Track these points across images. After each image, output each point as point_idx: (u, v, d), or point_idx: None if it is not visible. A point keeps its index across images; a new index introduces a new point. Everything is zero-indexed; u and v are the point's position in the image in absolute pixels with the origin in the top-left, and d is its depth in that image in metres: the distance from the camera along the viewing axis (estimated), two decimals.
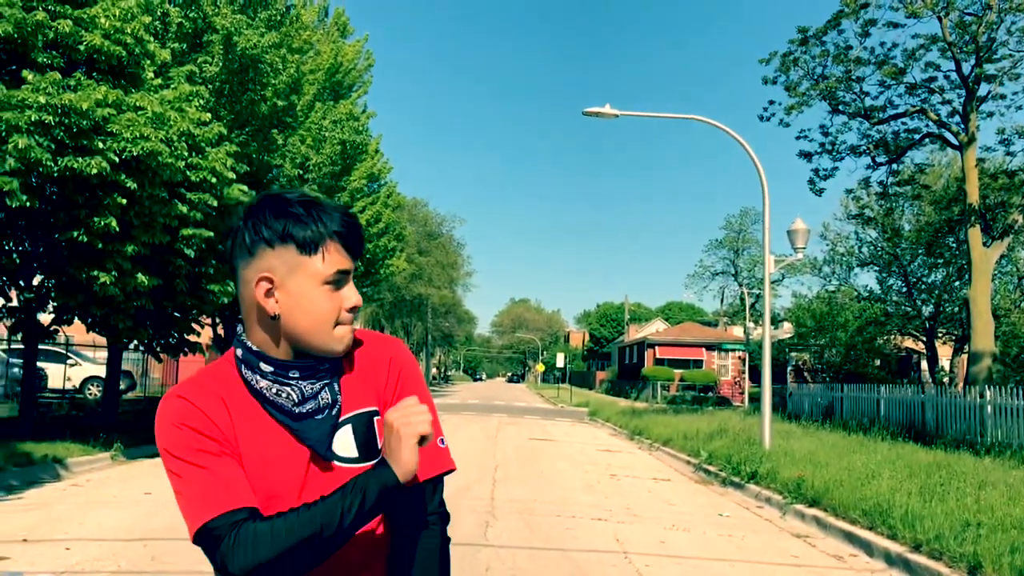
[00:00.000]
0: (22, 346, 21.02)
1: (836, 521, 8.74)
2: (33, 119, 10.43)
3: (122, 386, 23.73)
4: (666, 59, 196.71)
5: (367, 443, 1.47)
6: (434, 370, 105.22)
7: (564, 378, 77.98)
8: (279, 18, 18.45)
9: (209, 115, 14.32)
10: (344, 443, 1.46)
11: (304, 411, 1.44)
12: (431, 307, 63.13)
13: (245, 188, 15.33)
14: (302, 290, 1.41)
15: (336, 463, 1.45)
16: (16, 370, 21.93)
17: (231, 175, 14.53)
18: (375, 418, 1.51)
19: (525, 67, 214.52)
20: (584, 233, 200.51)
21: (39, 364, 24.38)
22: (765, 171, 14.24)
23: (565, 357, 68.15)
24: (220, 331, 25.12)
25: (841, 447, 13.55)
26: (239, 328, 1.51)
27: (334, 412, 1.47)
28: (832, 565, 7.44)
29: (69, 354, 26.19)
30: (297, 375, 1.44)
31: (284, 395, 1.44)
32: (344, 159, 24.22)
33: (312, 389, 1.45)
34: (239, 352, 1.48)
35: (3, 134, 10.47)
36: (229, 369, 1.49)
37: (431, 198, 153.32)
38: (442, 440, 1.53)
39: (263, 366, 1.44)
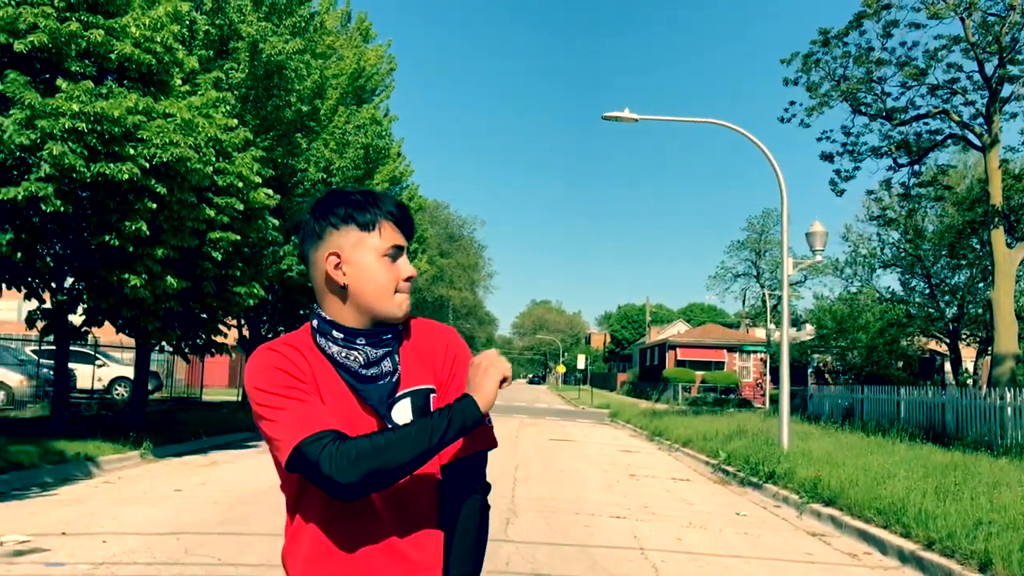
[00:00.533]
0: (52, 347, 21.51)
1: (851, 520, 8.87)
2: (67, 127, 10.74)
3: (149, 387, 24.16)
4: (683, 64, 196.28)
5: (423, 415, 1.68)
6: None
7: (585, 380, 78.01)
8: (303, 25, 18.74)
9: (235, 121, 14.63)
10: (402, 413, 1.69)
11: (368, 375, 1.68)
12: (452, 309, 63.42)
13: (270, 192, 15.63)
14: (364, 262, 1.68)
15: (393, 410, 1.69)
16: (46, 371, 22.39)
17: (257, 179, 14.83)
18: (431, 395, 1.74)
19: (542, 70, 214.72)
20: (605, 234, 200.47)
21: (69, 365, 24.89)
22: (784, 172, 14.37)
23: (586, 359, 68.22)
24: (245, 332, 25.48)
25: (859, 448, 13.63)
26: (315, 305, 1.76)
27: (394, 380, 1.70)
28: (846, 563, 7.58)
29: (97, 355, 26.61)
30: (363, 342, 1.69)
31: (352, 358, 1.68)
32: (367, 163, 24.51)
33: (376, 355, 1.69)
34: (314, 323, 1.73)
35: (38, 141, 10.80)
36: (306, 338, 1.73)
37: (450, 197, 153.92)
38: (489, 420, 1.76)
39: (335, 333, 1.69)
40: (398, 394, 1.70)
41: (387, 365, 1.70)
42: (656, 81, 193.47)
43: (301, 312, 26.62)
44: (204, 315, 16.42)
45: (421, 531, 1.70)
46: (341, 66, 24.37)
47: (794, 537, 8.72)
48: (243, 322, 25.15)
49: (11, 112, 10.87)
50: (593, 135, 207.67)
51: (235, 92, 16.47)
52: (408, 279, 1.71)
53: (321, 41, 21.74)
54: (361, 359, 1.68)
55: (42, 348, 22.67)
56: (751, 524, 9.34)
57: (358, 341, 1.68)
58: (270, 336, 27.67)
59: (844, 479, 10.05)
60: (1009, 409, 15.11)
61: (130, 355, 29.57)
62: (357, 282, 1.68)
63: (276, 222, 16.86)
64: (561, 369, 78.54)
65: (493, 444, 1.78)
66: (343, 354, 1.68)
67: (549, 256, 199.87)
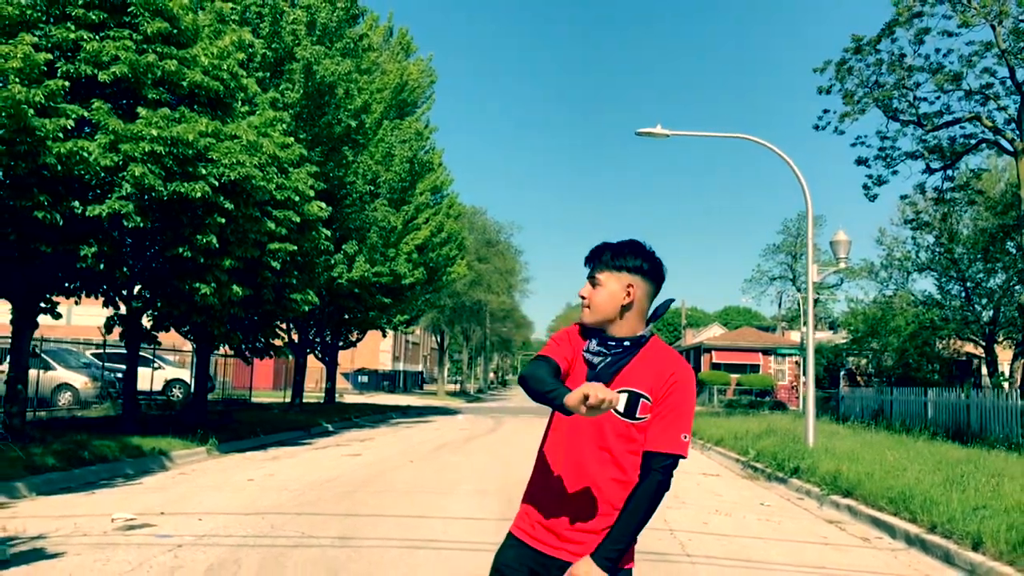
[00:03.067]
0: (112, 351, 22.75)
1: (866, 509, 9.62)
2: (147, 149, 11.81)
3: None
4: (711, 76, 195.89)
5: (629, 407, 2.50)
6: (492, 375, 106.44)
7: None
8: (352, 46, 19.78)
9: (291, 139, 15.67)
10: (627, 402, 2.51)
11: (587, 355, 2.61)
12: (489, 313, 64.29)
13: (323, 204, 16.68)
14: None
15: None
16: (108, 374, 23.63)
17: (311, 193, 15.88)
18: (641, 399, 2.51)
19: (577, 82, 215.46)
20: (639, 236, 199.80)
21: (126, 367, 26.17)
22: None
23: None
24: (294, 336, 26.58)
25: (881, 445, 14.30)
26: None
27: (598, 369, 2.56)
28: (858, 545, 8.35)
29: (154, 359, 27.82)
30: (593, 337, 2.63)
31: (585, 344, 2.63)
32: (412, 175, 25.52)
33: (596, 348, 2.60)
34: None
35: (120, 163, 11.89)
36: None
37: (487, 202, 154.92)
38: (686, 436, 2.55)
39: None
40: (619, 388, 2.50)
41: (600, 358, 2.58)
42: (687, 90, 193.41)
43: (346, 316, 27.73)
44: (255, 318, 17.47)
45: (604, 503, 2.52)
46: (384, 80, 25.43)
47: (812, 524, 9.50)
48: (291, 327, 26.27)
49: (96, 137, 11.98)
50: (627, 141, 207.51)
51: (290, 111, 17.54)
52: (581, 297, 2.65)
53: (366, 57, 22.81)
54: (586, 344, 2.62)
55: (105, 351, 23.90)
56: (773, 513, 10.14)
57: (591, 336, 2.64)
58: (317, 340, 28.84)
59: (861, 472, 10.79)
60: None
61: (179, 358, 30.96)
62: None
63: (327, 232, 17.92)
64: None
65: (681, 453, 2.52)
66: (584, 339, 2.66)
67: (583, 257, 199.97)
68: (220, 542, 6.89)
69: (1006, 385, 34.98)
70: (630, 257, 2.61)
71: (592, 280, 2.61)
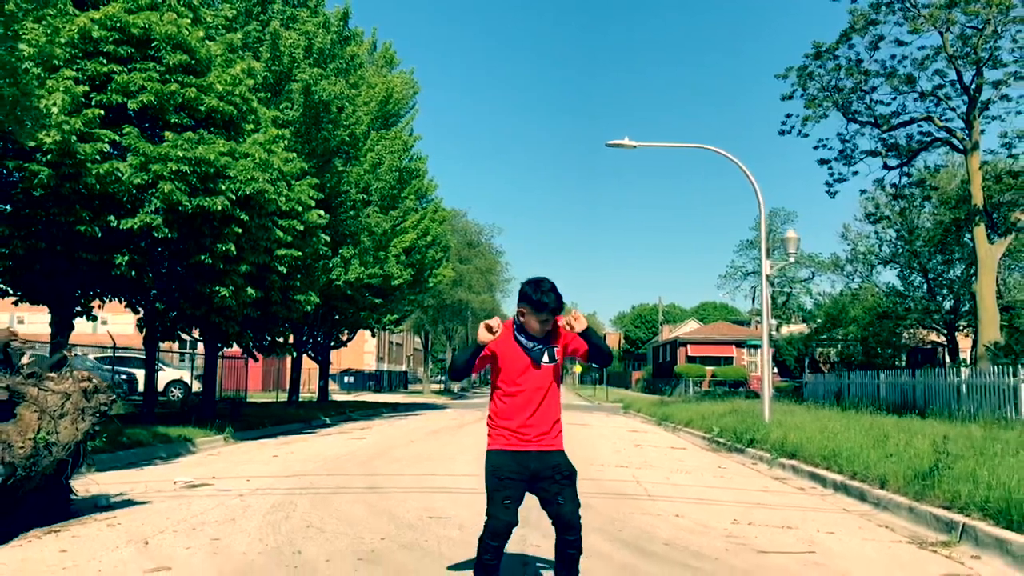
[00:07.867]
0: (108, 354, 24.11)
1: (806, 466, 11.34)
2: (173, 169, 13.35)
3: (197, 387, 26.79)
4: (683, 85, 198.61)
5: (551, 356, 4.27)
6: (474, 374, 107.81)
7: (601, 379, 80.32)
8: (345, 66, 21.34)
9: (294, 154, 17.23)
10: (548, 356, 4.27)
11: (529, 344, 4.29)
12: (472, 312, 65.76)
13: (321, 212, 18.25)
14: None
15: (543, 364, 4.25)
16: (115, 376, 25.02)
17: (312, 203, 17.46)
18: (555, 348, 4.28)
19: (553, 88, 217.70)
20: (619, 235, 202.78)
21: (130, 370, 27.59)
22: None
23: None
24: (290, 338, 28.03)
25: (828, 419, 16.04)
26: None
27: (534, 347, 4.26)
28: (793, 492, 10.06)
29: (156, 360, 29.08)
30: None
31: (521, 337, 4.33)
32: (400, 183, 27.10)
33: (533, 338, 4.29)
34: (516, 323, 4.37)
35: (150, 181, 13.42)
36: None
37: (469, 204, 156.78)
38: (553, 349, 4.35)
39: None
40: (545, 347, 4.27)
41: (532, 343, 4.26)
42: (675, 94, 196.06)
43: (336, 317, 29.24)
44: (265, 319, 18.98)
45: (553, 413, 4.31)
46: (371, 93, 26.94)
47: (760, 479, 11.20)
48: (287, 327, 27.71)
49: (128, 158, 13.50)
50: (601, 147, 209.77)
51: (290, 128, 19.10)
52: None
53: (354, 72, 24.36)
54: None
55: (115, 355, 25.29)
56: (728, 472, 11.85)
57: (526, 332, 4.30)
58: (309, 342, 30.31)
59: (804, 438, 12.53)
60: (964, 386, 17.54)
61: (170, 357, 32.35)
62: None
63: (326, 238, 19.49)
64: (578, 369, 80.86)
65: (584, 347, 4.29)
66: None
67: (564, 259, 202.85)
68: (273, 492, 8.51)
69: (965, 371, 36.99)
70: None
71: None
